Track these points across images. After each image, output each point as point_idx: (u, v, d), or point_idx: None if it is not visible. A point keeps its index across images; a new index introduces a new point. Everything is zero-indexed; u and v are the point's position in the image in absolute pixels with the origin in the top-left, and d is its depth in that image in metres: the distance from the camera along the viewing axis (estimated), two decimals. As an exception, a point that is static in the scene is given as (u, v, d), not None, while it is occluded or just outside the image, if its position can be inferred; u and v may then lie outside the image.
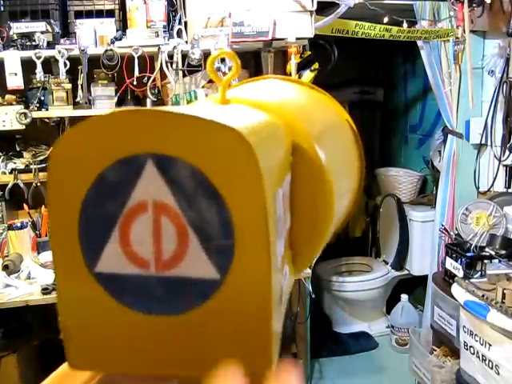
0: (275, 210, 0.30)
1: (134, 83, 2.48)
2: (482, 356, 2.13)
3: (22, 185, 2.52)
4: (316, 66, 2.59)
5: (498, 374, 2.04)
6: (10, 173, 2.53)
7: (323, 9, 2.56)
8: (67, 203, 0.30)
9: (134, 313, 0.30)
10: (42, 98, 2.52)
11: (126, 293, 0.30)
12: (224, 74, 2.44)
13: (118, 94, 2.56)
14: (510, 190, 2.81)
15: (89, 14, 2.56)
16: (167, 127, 0.28)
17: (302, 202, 0.34)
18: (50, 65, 2.49)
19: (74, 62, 2.44)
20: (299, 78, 2.61)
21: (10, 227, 2.47)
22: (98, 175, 0.29)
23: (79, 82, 2.51)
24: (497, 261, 2.34)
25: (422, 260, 3.57)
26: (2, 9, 2.48)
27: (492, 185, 2.90)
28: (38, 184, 2.53)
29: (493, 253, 2.40)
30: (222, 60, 2.42)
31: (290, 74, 2.64)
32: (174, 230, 0.29)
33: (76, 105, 2.55)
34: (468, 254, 2.43)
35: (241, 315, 0.29)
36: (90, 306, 0.31)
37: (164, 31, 2.50)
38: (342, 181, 0.40)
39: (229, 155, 0.28)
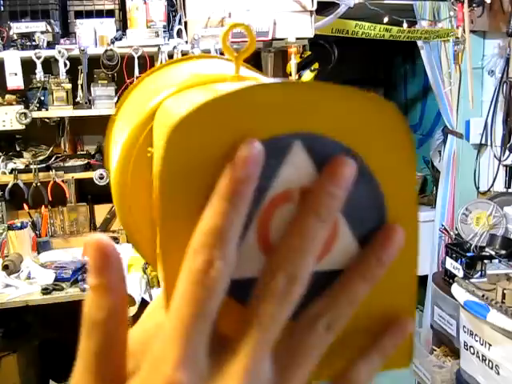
0: None
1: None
2: (482, 356, 2.13)
3: (21, 185, 2.52)
4: (316, 66, 2.59)
5: (498, 374, 2.04)
6: (10, 173, 2.53)
7: (323, 9, 2.56)
8: (190, 197, 0.24)
9: None
10: (42, 98, 2.52)
11: (253, 295, 0.25)
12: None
13: (118, 94, 2.56)
14: (510, 190, 2.81)
15: (89, 14, 2.56)
16: (312, 100, 0.24)
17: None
18: (49, 65, 2.49)
19: (74, 62, 2.44)
20: (299, 78, 2.61)
21: (10, 227, 2.47)
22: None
23: (79, 82, 2.51)
24: (497, 261, 2.34)
25: (422, 260, 3.57)
26: (2, 9, 2.48)
27: (492, 185, 2.90)
28: (38, 184, 2.53)
29: (493, 253, 2.40)
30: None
31: (290, 74, 2.64)
32: None
33: (76, 105, 2.54)
34: (468, 254, 2.43)
35: (388, 301, 0.27)
36: None
37: (164, 31, 2.50)
38: None
39: (387, 133, 0.25)
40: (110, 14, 2.58)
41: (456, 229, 2.73)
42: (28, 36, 2.42)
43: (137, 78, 2.45)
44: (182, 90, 0.30)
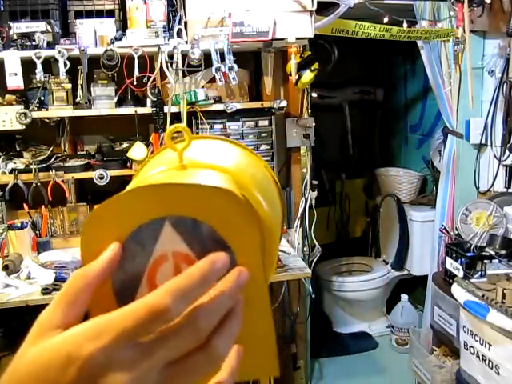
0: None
1: (134, 83, 2.48)
2: (482, 356, 2.13)
3: (21, 185, 2.52)
4: (316, 66, 2.59)
5: (498, 374, 2.04)
6: (10, 173, 2.53)
7: (323, 9, 2.56)
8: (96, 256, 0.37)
9: None
10: (42, 98, 2.52)
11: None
12: (224, 74, 2.44)
13: (118, 94, 2.56)
14: (510, 190, 2.81)
15: (89, 14, 2.56)
16: (177, 195, 0.36)
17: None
18: (49, 65, 2.49)
19: (74, 62, 2.44)
20: (299, 78, 2.61)
21: (10, 227, 2.47)
22: (129, 235, 0.37)
23: (79, 82, 2.51)
24: (497, 261, 2.34)
25: (422, 260, 3.57)
26: (2, 9, 2.48)
27: (492, 185, 2.90)
28: (38, 184, 2.53)
29: (493, 253, 2.40)
30: (222, 60, 2.42)
31: (290, 74, 2.64)
32: None
33: (76, 105, 2.55)
34: (468, 254, 2.43)
35: (251, 324, 0.38)
36: None
37: (164, 31, 2.50)
38: (274, 219, 0.48)
39: (230, 211, 0.36)
40: (110, 14, 2.58)
41: (456, 229, 2.73)
42: (28, 36, 2.42)
43: (137, 77, 2.45)
44: (146, 178, 0.45)
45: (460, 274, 2.41)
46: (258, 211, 0.40)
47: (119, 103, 2.59)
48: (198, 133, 2.64)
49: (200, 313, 0.34)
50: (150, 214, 0.36)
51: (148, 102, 2.59)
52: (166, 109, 2.58)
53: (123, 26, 2.58)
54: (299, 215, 2.90)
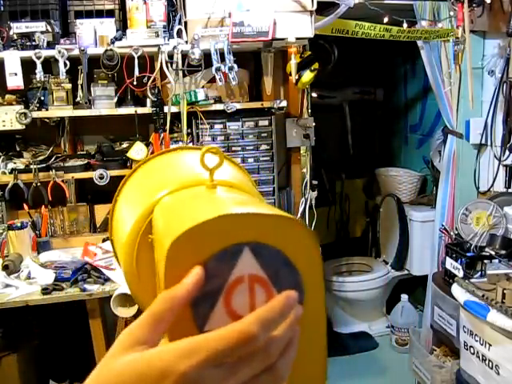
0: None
1: (134, 83, 2.48)
2: (482, 356, 2.13)
3: (21, 185, 2.52)
4: (316, 66, 2.59)
5: (498, 374, 2.04)
6: (10, 173, 2.53)
7: (323, 9, 2.56)
8: (180, 277, 0.41)
9: None
10: (42, 98, 2.52)
11: None
12: (224, 74, 2.44)
13: (118, 94, 2.56)
14: (510, 190, 2.81)
15: (89, 14, 2.56)
16: (255, 223, 0.41)
17: None
18: (49, 65, 2.49)
19: (74, 62, 2.44)
20: (299, 78, 2.61)
21: (10, 227, 2.47)
22: (209, 258, 0.40)
23: (79, 82, 2.51)
24: (497, 261, 2.34)
25: (422, 260, 3.57)
26: (2, 9, 2.48)
27: (492, 185, 2.90)
28: (38, 184, 2.53)
29: (493, 253, 2.39)
30: (222, 60, 2.42)
31: (290, 74, 2.64)
32: (264, 293, 0.41)
33: (76, 105, 2.54)
34: (468, 254, 2.43)
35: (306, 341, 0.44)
36: None
37: (164, 31, 2.50)
38: None
39: (299, 239, 0.41)
40: (110, 14, 2.58)
41: (456, 229, 2.73)
42: (28, 36, 2.41)
43: (137, 77, 2.46)
44: (173, 192, 0.51)
45: (460, 274, 2.41)
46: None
47: (119, 103, 2.59)
48: (197, 133, 2.64)
49: (274, 341, 0.39)
50: (232, 239, 0.41)
51: (148, 101, 2.59)
52: (166, 109, 2.58)
53: (123, 26, 2.58)
54: (299, 215, 2.90)
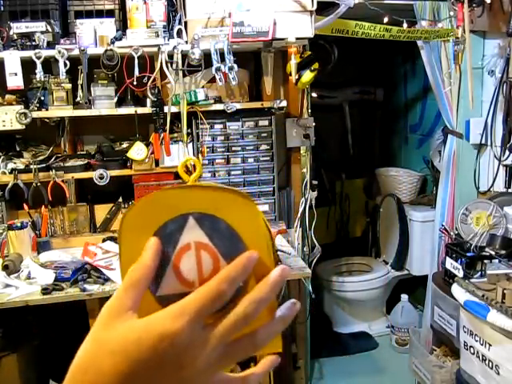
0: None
1: (134, 83, 2.48)
2: (482, 356, 2.13)
3: (21, 185, 2.52)
4: (316, 66, 2.59)
5: (498, 374, 2.04)
6: (10, 173, 2.53)
7: (323, 9, 2.56)
8: (135, 247, 0.45)
9: None
10: (42, 98, 2.52)
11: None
12: (224, 74, 2.44)
13: (118, 94, 2.56)
14: (510, 190, 2.81)
15: (89, 14, 2.56)
16: (200, 196, 0.45)
17: None
18: (50, 65, 2.49)
19: (74, 62, 2.44)
20: (299, 78, 2.61)
21: (10, 227, 2.47)
22: (158, 228, 0.45)
23: (79, 82, 2.51)
24: (497, 261, 2.34)
25: (422, 260, 3.57)
26: (2, 9, 2.48)
27: (492, 185, 2.90)
28: (38, 184, 2.53)
29: (493, 253, 2.39)
30: (222, 60, 2.42)
31: (290, 74, 2.64)
32: (209, 258, 0.45)
33: (76, 105, 2.55)
34: (468, 254, 2.43)
35: None
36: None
37: (164, 31, 2.50)
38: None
39: (241, 210, 0.45)
40: (110, 13, 2.58)
41: (456, 229, 2.73)
42: (28, 36, 2.42)
43: (137, 77, 2.46)
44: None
45: (460, 274, 2.41)
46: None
47: (119, 103, 2.59)
48: (198, 133, 2.64)
49: (249, 304, 0.43)
50: (177, 210, 0.45)
51: (148, 101, 2.59)
52: (166, 109, 2.58)
53: (123, 25, 2.58)
54: (299, 215, 2.90)
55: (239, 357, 0.44)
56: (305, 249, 2.96)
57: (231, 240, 0.45)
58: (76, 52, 2.43)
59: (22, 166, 2.56)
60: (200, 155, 2.65)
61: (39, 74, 2.38)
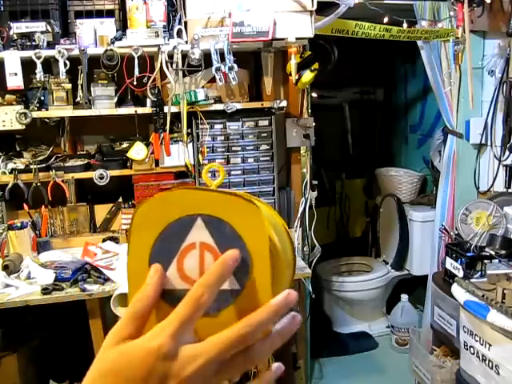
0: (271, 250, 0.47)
1: (134, 83, 2.48)
2: (482, 356, 2.13)
3: (21, 185, 2.52)
4: (316, 66, 2.59)
5: (498, 374, 2.04)
6: (10, 173, 2.53)
7: (323, 9, 2.56)
8: (143, 242, 0.48)
9: None
10: (42, 98, 2.52)
11: (178, 301, 0.45)
12: (224, 74, 2.44)
13: (118, 94, 2.56)
14: (510, 190, 2.81)
15: (89, 14, 2.56)
16: (209, 199, 0.47)
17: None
18: (50, 65, 2.49)
19: (74, 62, 2.44)
20: (299, 78, 2.61)
21: (10, 227, 2.47)
22: (167, 225, 0.47)
23: (79, 82, 2.51)
24: (497, 261, 2.34)
25: (422, 260, 3.57)
26: (2, 9, 2.48)
27: (492, 185, 2.90)
28: (38, 184, 2.53)
29: (493, 253, 2.39)
30: (222, 60, 2.42)
31: (290, 74, 2.64)
32: (212, 259, 0.46)
33: (76, 105, 2.54)
34: (468, 254, 2.43)
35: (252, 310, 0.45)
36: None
37: (164, 31, 2.50)
38: (284, 257, 0.56)
39: (246, 215, 0.46)
40: (110, 14, 2.58)
41: (456, 229, 2.73)
42: (28, 36, 2.42)
43: (137, 77, 2.46)
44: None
45: (460, 274, 2.41)
46: (273, 243, 0.50)
47: (119, 103, 2.59)
48: (198, 133, 2.64)
49: (246, 326, 0.44)
50: (186, 210, 0.47)
51: (148, 101, 2.59)
52: (166, 109, 2.58)
53: (123, 25, 2.58)
54: (299, 215, 2.90)
55: (236, 372, 0.45)
56: (305, 249, 2.96)
57: (234, 244, 0.46)
58: (76, 52, 2.43)
59: (22, 166, 2.56)
60: (200, 155, 2.65)
61: (39, 74, 2.38)
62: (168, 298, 0.47)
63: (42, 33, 2.41)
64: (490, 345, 2.08)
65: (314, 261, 3.03)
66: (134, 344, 0.44)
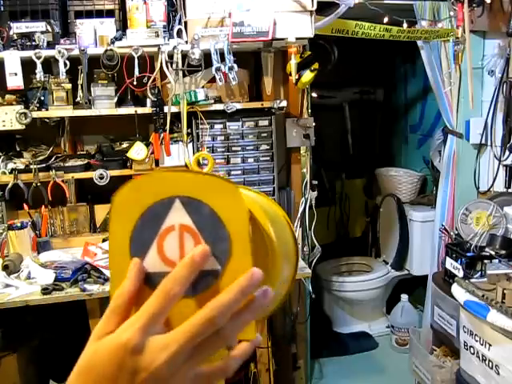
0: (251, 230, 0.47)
1: (134, 83, 2.48)
2: (482, 356, 2.13)
3: (21, 185, 2.52)
4: (316, 66, 2.59)
5: (498, 374, 2.04)
6: (10, 173, 2.53)
7: (323, 9, 2.56)
8: (123, 228, 0.48)
9: None
10: (42, 98, 2.52)
11: (158, 284, 0.45)
12: (224, 74, 2.44)
13: (118, 94, 2.56)
14: (510, 190, 2.81)
15: (89, 14, 2.56)
16: (186, 181, 0.47)
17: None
18: (50, 65, 2.49)
19: (74, 62, 2.44)
20: (299, 78, 2.61)
21: (10, 227, 2.47)
22: (145, 209, 0.47)
23: (79, 82, 2.51)
24: (497, 261, 2.34)
25: (422, 260, 3.57)
26: (2, 9, 2.48)
27: (492, 185, 2.90)
28: (38, 184, 2.53)
29: (493, 253, 2.39)
30: (222, 60, 2.42)
31: (290, 74, 2.64)
32: (192, 241, 0.46)
33: (76, 105, 2.54)
34: (468, 254, 2.43)
35: None
36: None
37: (164, 31, 2.50)
38: (282, 249, 0.55)
39: (225, 196, 0.46)
40: (110, 14, 2.58)
41: (456, 229, 2.73)
42: (28, 36, 2.41)
43: (137, 77, 2.46)
44: None
45: (460, 274, 2.41)
46: (265, 228, 0.50)
47: (119, 103, 2.59)
48: (198, 133, 2.64)
49: (214, 309, 0.43)
50: (165, 193, 0.47)
51: (148, 101, 2.59)
52: (166, 109, 2.58)
53: (123, 25, 2.58)
54: (299, 215, 2.90)
55: (210, 353, 0.45)
56: (305, 249, 2.96)
57: (214, 225, 0.46)
58: (76, 52, 2.43)
59: (22, 166, 2.56)
60: (200, 155, 2.65)
61: (39, 74, 2.38)
62: (150, 281, 0.47)
63: (42, 33, 2.41)
64: (489, 345, 2.08)
65: (314, 261, 3.03)
66: (105, 340, 0.44)
